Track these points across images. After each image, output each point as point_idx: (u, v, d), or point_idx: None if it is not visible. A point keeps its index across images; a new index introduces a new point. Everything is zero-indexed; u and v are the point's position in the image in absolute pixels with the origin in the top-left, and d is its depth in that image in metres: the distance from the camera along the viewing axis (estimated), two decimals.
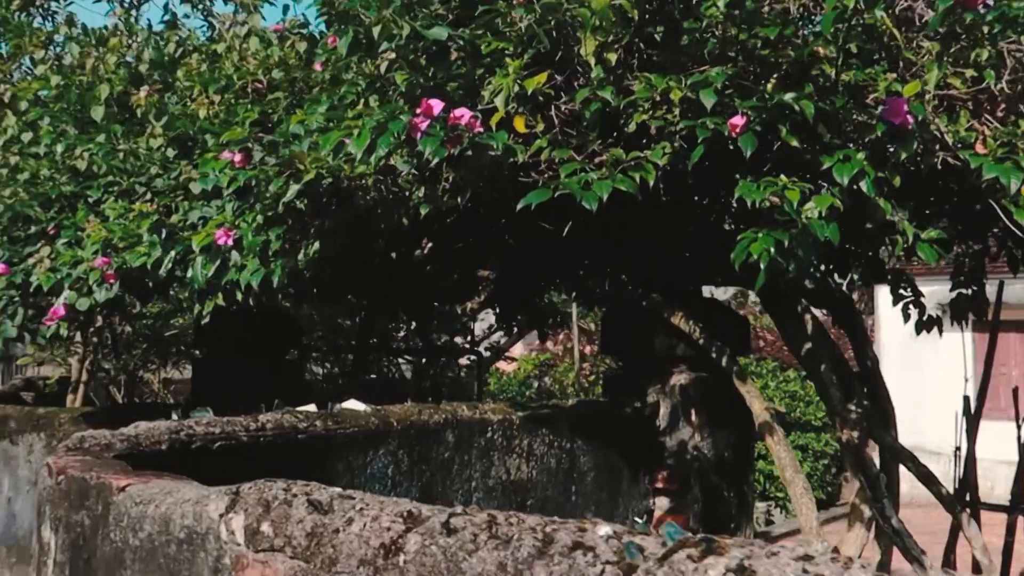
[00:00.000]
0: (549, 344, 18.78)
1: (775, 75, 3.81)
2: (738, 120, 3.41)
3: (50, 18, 10.36)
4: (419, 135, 3.36)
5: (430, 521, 1.49)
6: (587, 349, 16.89)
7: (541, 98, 3.85)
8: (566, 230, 4.50)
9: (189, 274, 4.89)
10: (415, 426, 4.17)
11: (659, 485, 5.24)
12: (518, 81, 3.77)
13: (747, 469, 5.57)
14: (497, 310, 8.75)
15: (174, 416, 4.74)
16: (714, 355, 4.96)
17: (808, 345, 5.10)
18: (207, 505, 1.81)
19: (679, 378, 5.36)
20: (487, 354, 12.19)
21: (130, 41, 7.49)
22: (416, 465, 4.14)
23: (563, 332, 16.18)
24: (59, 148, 6.22)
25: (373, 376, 11.44)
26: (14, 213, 5.99)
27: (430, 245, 4.75)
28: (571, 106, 3.92)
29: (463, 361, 12.64)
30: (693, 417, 5.30)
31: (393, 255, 5.07)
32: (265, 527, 1.68)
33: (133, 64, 6.96)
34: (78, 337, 10.17)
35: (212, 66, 6.46)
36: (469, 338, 11.21)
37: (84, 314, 5.58)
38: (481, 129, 3.47)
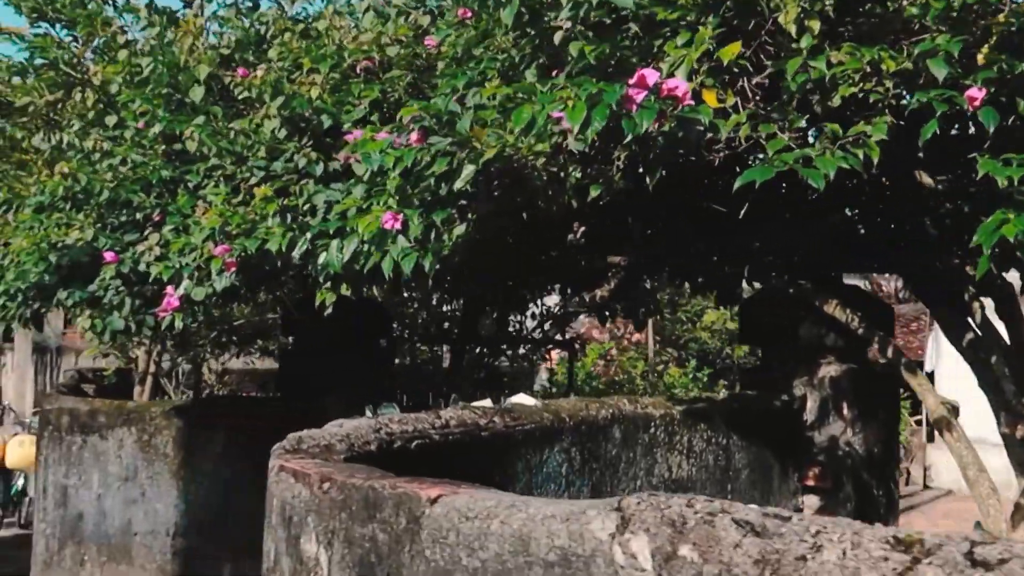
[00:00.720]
0: (595, 332, 18.48)
1: (987, 43, 3.53)
2: (976, 92, 3.13)
3: (110, 2, 10.08)
4: (634, 107, 3.08)
5: (943, 550, 1.23)
6: (635, 337, 16.50)
7: (736, 70, 3.58)
8: (742, 212, 4.24)
9: (322, 259, 4.64)
10: (585, 422, 3.92)
11: (809, 483, 4.98)
12: (703, 51, 3.50)
13: (894, 466, 5.30)
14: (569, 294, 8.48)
15: (368, 412, 4.48)
16: (876, 345, 4.68)
17: (970, 335, 4.82)
18: (588, 523, 1.55)
19: (828, 369, 5.08)
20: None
21: (206, 22, 7.26)
22: (587, 463, 3.89)
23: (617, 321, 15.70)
24: (155, 129, 5.94)
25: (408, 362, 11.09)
26: (114, 198, 5.73)
27: (583, 229, 4.48)
28: (761, 78, 3.66)
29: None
30: (845, 411, 5.03)
31: (520, 242, 4.80)
32: (685, 551, 1.42)
33: (218, 44, 6.71)
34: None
35: (312, 44, 6.18)
36: (541, 325, 10.90)
37: (199, 304, 5.35)
38: (692, 102, 3.19)
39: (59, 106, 7.97)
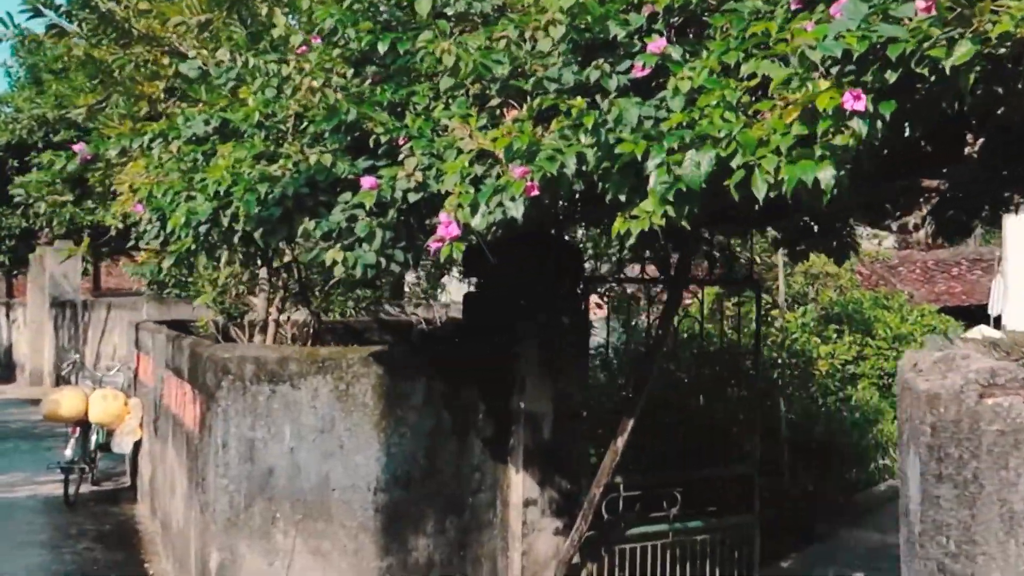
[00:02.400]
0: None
1: None
2: None
3: None
4: None
5: None
6: None
7: None
8: None
9: (653, 180, 4.03)
10: None
11: None
12: None
13: None
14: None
15: None
16: None
17: None
18: None
19: None
20: None
21: None
22: None
23: None
24: (381, 47, 5.31)
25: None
26: (356, 121, 5.11)
27: (981, 141, 3.92)
28: None
29: None
30: None
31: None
32: None
33: None
34: (263, 274, 9.31)
35: None
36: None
37: (477, 235, 4.76)
38: None
39: (210, 27, 7.28)
